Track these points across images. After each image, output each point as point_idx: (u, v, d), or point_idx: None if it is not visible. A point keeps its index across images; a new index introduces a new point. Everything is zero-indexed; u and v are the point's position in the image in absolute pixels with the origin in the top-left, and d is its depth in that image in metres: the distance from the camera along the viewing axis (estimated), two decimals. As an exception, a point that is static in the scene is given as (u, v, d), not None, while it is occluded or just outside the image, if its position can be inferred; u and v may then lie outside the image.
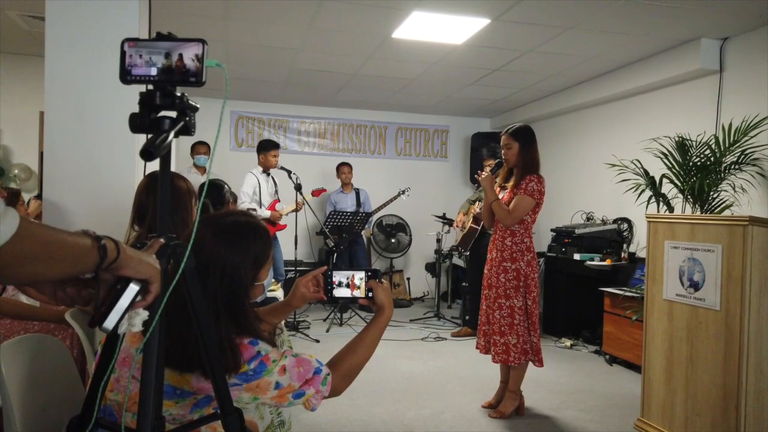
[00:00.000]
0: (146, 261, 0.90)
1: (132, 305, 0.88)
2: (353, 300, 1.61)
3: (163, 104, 1.02)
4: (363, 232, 6.68)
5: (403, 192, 6.75)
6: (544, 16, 4.01)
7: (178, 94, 1.03)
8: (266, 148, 5.55)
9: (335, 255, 6.14)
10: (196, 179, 5.81)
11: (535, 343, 3.34)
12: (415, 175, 7.83)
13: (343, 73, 5.81)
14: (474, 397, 3.71)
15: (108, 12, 2.83)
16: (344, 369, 1.44)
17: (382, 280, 1.61)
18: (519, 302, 3.34)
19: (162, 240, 1.01)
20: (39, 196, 4.73)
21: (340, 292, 1.61)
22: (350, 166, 6.89)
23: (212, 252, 1.31)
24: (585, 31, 4.27)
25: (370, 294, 1.58)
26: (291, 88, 6.58)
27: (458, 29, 4.34)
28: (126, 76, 1.02)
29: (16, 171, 5.67)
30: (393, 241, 7.32)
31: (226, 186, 2.94)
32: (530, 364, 3.42)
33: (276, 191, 5.66)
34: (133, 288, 0.88)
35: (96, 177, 2.79)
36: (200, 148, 6.05)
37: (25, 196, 5.24)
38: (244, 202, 5.33)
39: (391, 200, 6.75)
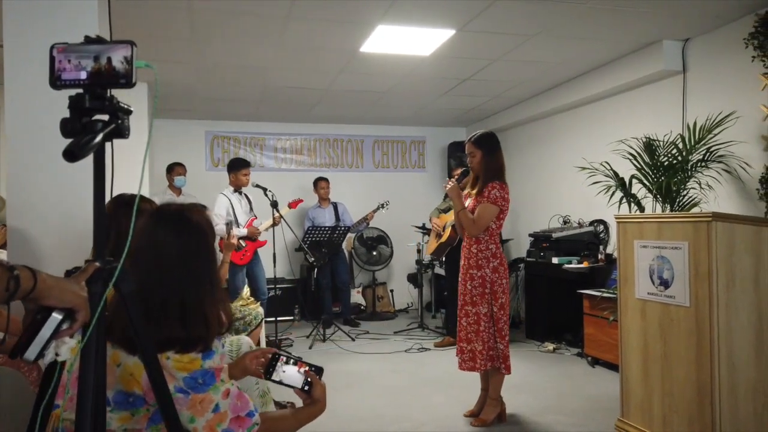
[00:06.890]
0: (70, 289, 0.89)
1: (56, 334, 0.86)
2: (289, 387, 1.62)
3: (93, 107, 1.02)
4: (344, 245, 6.67)
5: (383, 206, 6.76)
6: (507, 25, 4.06)
7: (109, 96, 1.03)
8: (236, 167, 5.51)
9: (315, 270, 6.12)
10: (172, 201, 5.76)
11: (501, 350, 3.34)
12: (393, 186, 7.85)
13: (315, 88, 5.83)
14: (457, 407, 3.69)
15: (68, 38, 2.82)
16: (269, 428, 1.47)
17: (322, 379, 1.63)
18: (484, 309, 3.34)
19: (97, 264, 1.00)
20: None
21: (279, 377, 1.63)
22: (328, 181, 6.88)
23: (169, 243, 1.38)
24: (549, 38, 4.33)
25: (307, 387, 1.60)
26: (265, 105, 6.58)
27: (424, 41, 4.39)
28: (56, 81, 1.01)
29: (-12, 201, 5.60)
30: (374, 253, 7.31)
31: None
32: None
33: (251, 208, 5.63)
34: (55, 318, 0.86)
35: (61, 201, 2.75)
36: (179, 169, 6.04)
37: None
38: (218, 224, 5.22)
39: (369, 216, 6.74)
